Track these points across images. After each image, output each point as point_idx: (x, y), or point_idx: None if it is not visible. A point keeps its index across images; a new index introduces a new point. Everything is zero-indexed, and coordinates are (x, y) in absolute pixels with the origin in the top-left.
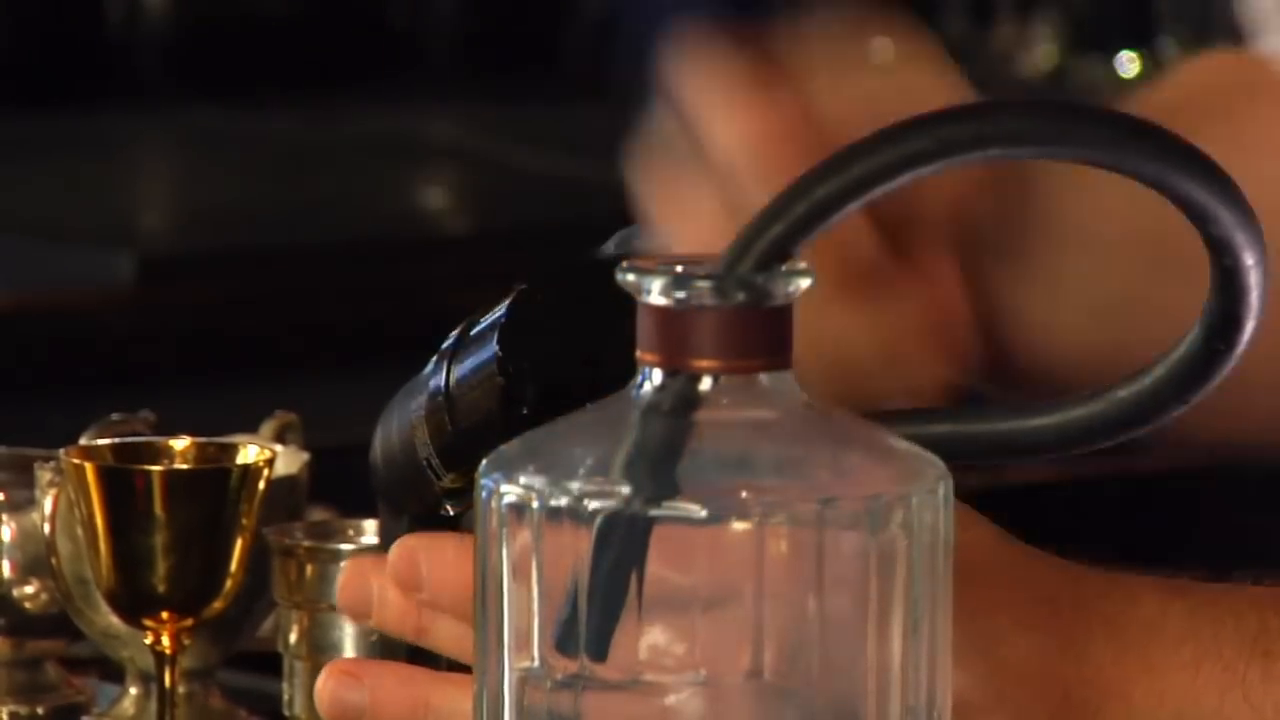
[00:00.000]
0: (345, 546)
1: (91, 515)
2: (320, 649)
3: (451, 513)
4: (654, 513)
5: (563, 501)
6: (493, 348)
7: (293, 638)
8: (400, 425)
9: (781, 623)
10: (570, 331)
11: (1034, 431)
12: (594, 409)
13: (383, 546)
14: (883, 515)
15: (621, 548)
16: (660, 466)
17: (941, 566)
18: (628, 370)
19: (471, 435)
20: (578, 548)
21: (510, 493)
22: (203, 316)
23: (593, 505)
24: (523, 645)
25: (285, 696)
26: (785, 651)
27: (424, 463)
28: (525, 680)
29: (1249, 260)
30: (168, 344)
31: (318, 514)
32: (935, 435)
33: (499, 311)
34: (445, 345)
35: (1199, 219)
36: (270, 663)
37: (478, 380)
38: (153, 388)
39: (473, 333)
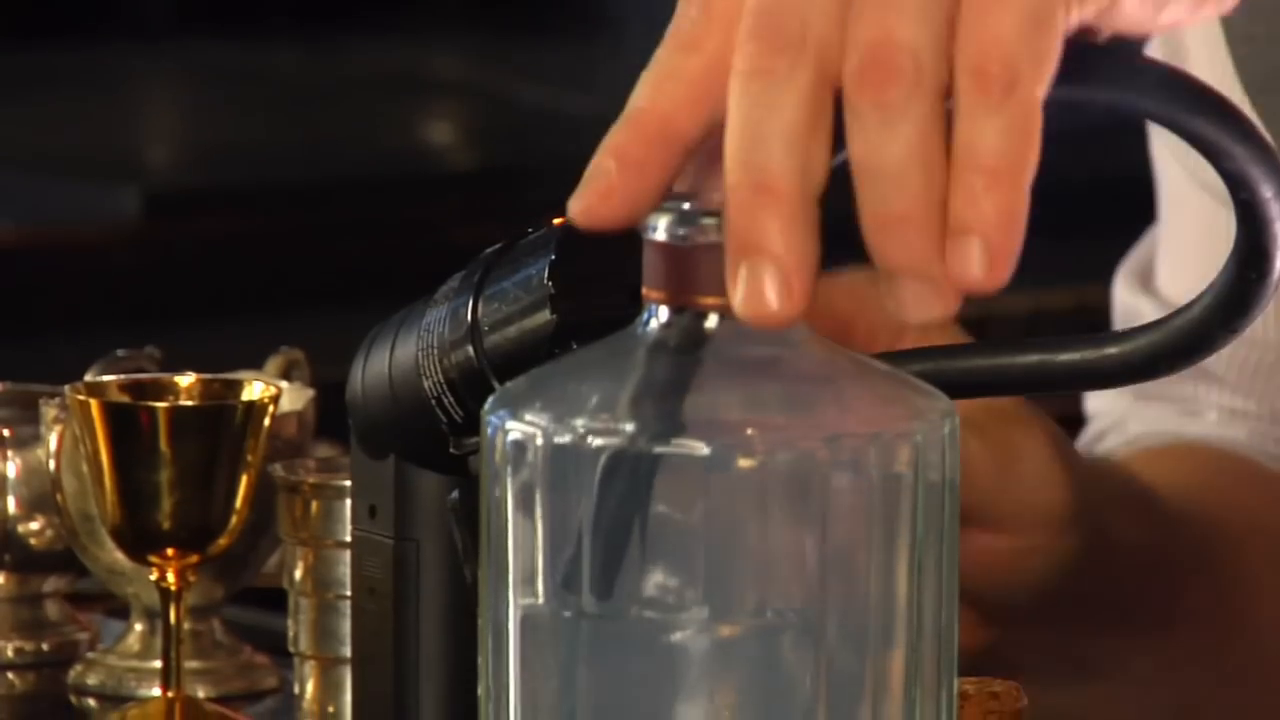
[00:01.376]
0: (350, 483)
1: (97, 451)
2: (325, 585)
3: (458, 451)
4: (658, 450)
5: (567, 439)
6: (543, 285)
7: (298, 574)
8: (400, 361)
9: (786, 561)
10: (616, 266)
11: (1099, 362)
12: (600, 346)
13: (358, 490)
14: (887, 452)
15: (626, 485)
16: (666, 404)
17: (947, 505)
18: None
19: (505, 371)
20: (582, 485)
21: (515, 429)
22: (208, 252)
23: (596, 442)
24: (527, 583)
25: (290, 633)
26: (789, 590)
27: (432, 400)
28: (530, 618)
29: (1266, 193)
30: (173, 280)
31: (323, 450)
32: (979, 369)
33: (543, 247)
34: (460, 280)
35: (1213, 155)
36: (275, 599)
37: (519, 316)
38: (158, 323)
39: (504, 268)
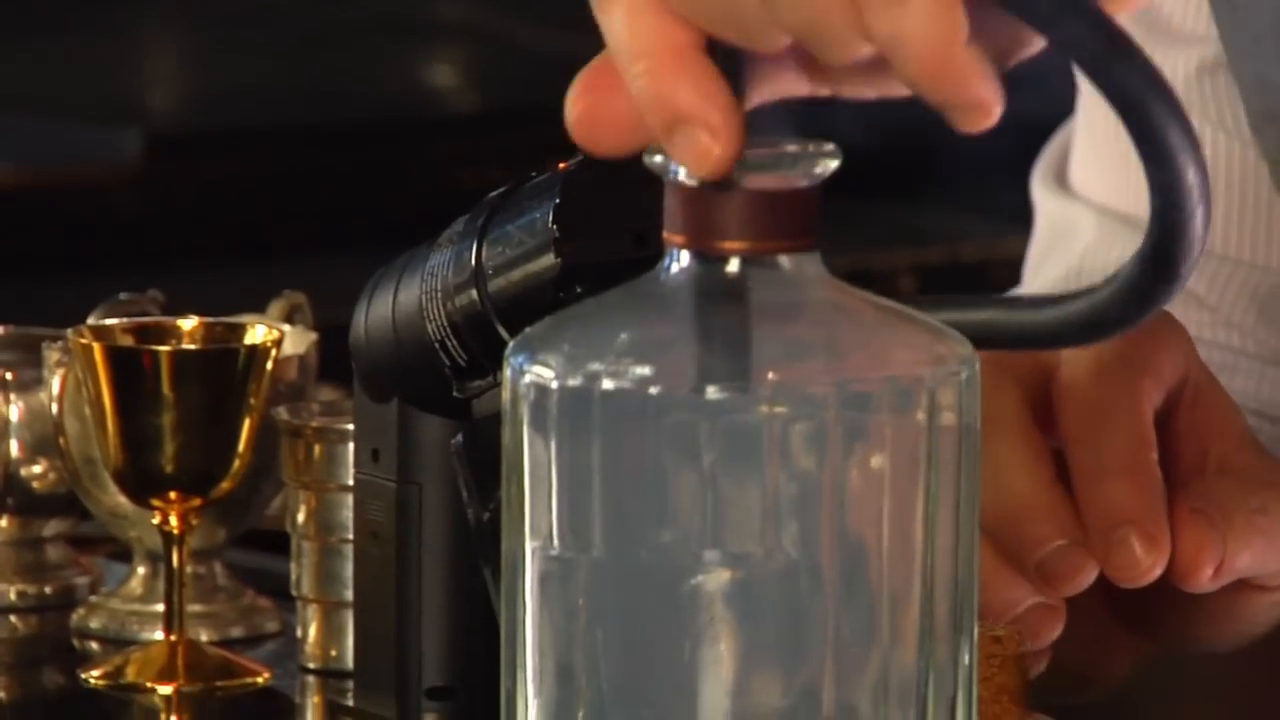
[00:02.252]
0: (353, 427)
1: (99, 395)
2: (328, 529)
3: (462, 395)
4: (674, 394)
5: (583, 382)
6: (547, 229)
7: (300, 518)
8: (403, 305)
9: (799, 506)
10: (620, 210)
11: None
12: (621, 290)
13: (361, 434)
14: (905, 397)
15: (641, 429)
16: (684, 349)
17: (966, 450)
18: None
19: (509, 314)
20: (597, 429)
21: (533, 373)
22: (211, 194)
23: (612, 386)
24: (543, 527)
25: (293, 576)
26: (802, 535)
27: (435, 344)
28: (545, 562)
29: (1193, 207)
30: (176, 222)
31: (325, 394)
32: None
33: (547, 191)
34: (463, 223)
35: (1151, 159)
36: (278, 542)
37: (523, 260)
38: (161, 266)
39: (508, 212)
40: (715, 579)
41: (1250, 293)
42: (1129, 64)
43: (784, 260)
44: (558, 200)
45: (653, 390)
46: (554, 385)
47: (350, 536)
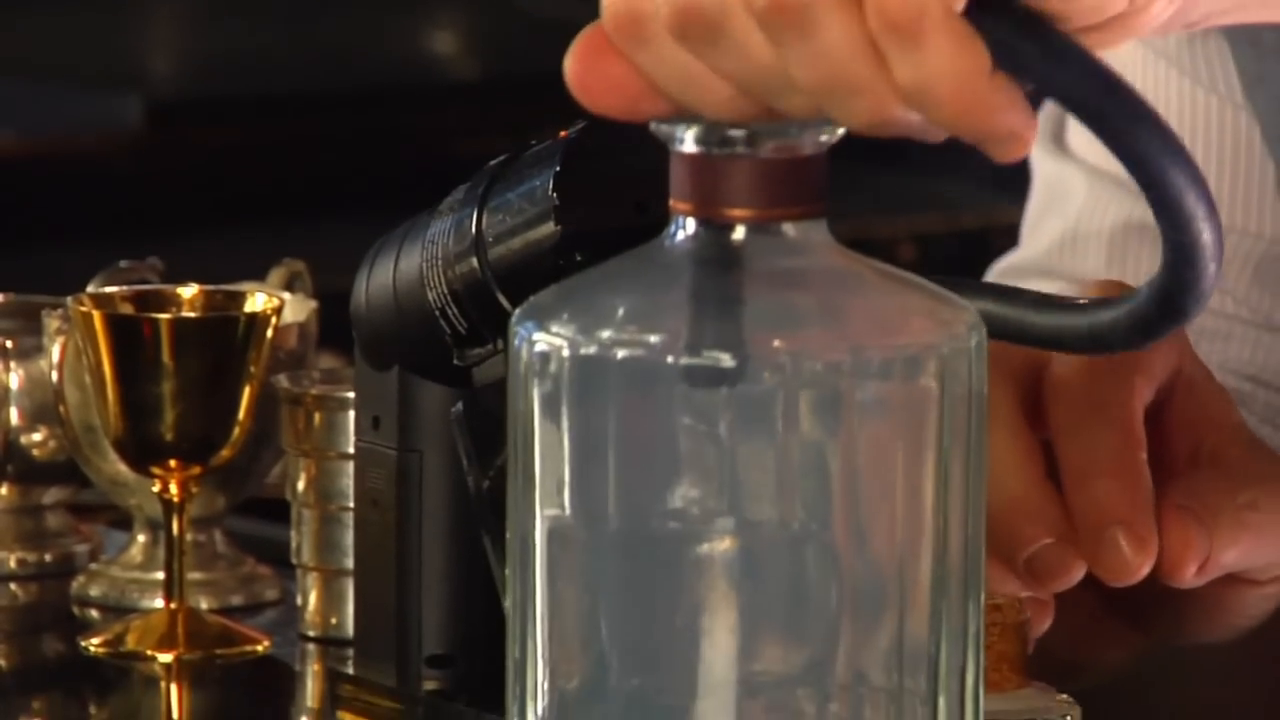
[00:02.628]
0: (353, 395)
1: (99, 363)
2: (328, 497)
3: (462, 363)
4: (683, 362)
5: (592, 350)
6: (547, 196)
7: (300, 485)
8: (404, 273)
9: (810, 473)
10: (621, 177)
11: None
12: (627, 257)
13: (362, 401)
14: (914, 365)
15: (651, 397)
16: (692, 316)
17: (974, 417)
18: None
19: (509, 282)
20: (607, 397)
21: (541, 340)
22: (211, 162)
23: (621, 354)
24: (553, 495)
25: (293, 544)
26: (814, 502)
27: (436, 312)
28: (555, 530)
29: (1204, 235)
30: (176, 190)
31: (326, 361)
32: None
33: (548, 159)
34: (464, 191)
35: (1152, 187)
36: (278, 510)
37: (524, 228)
38: (161, 234)
39: (509, 180)
40: (726, 546)
41: (1243, 259)
42: (1144, 127)
43: (789, 228)
44: (558, 168)
45: (663, 358)
46: (565, 353)
47: (350, 504)
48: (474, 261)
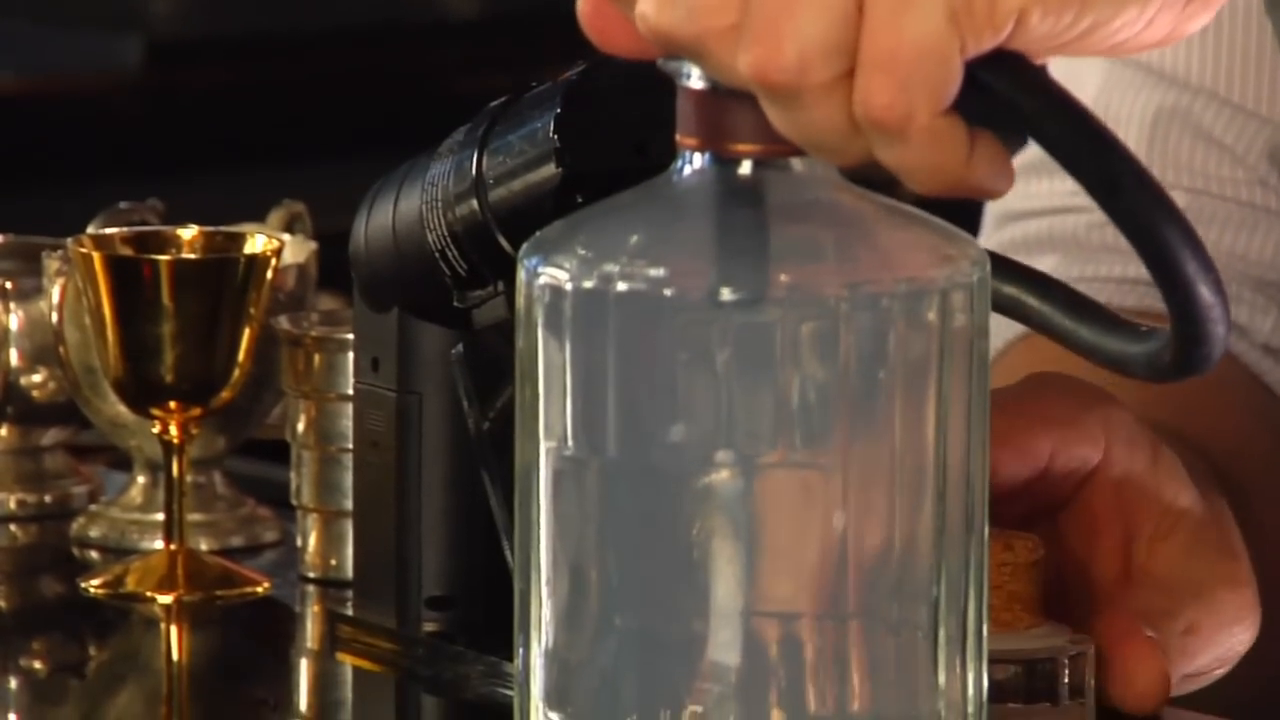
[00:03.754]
0: (352, 336)
1: (99, 304)
2: (327, 438)
3: (462, 304)
4: (687, 296)
5: (597, 284)
6: (549, 138)
7: (300, 427)
8: (403, 214)
9: (811, 406)
10: (622, 119)
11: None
12: (634, 192)
13: (361, 343)
14: (916, 300)
15: (655, 330)
16: (697, 251)
17: (975, 352)
18: (673, 157)
19: (509, 224)
20: (611, 330)
21: (546, 274)
22: (211, 102)
23: (626, 288)
24: (556, 428)
25: (292, 485)
26: (814, 435)
27: (436, 253)
28: (558, 462)
29: (1205, 295)
30: (176, 130)
31: (325, 303)
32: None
33: (548, 101)
34: (464, 133)
35: (1143, 242)
36: (278, 451)
37: (524, 169)
38: (160, 175)
39: (509, 122)
40: (728, 479)
41: (1273, 150)
42: (1140, 192)
43: (796, 163)
44: (559, 110)
45: (667, 291)
46: (568, 287)
47: (350, 446)
48: (474, 203)
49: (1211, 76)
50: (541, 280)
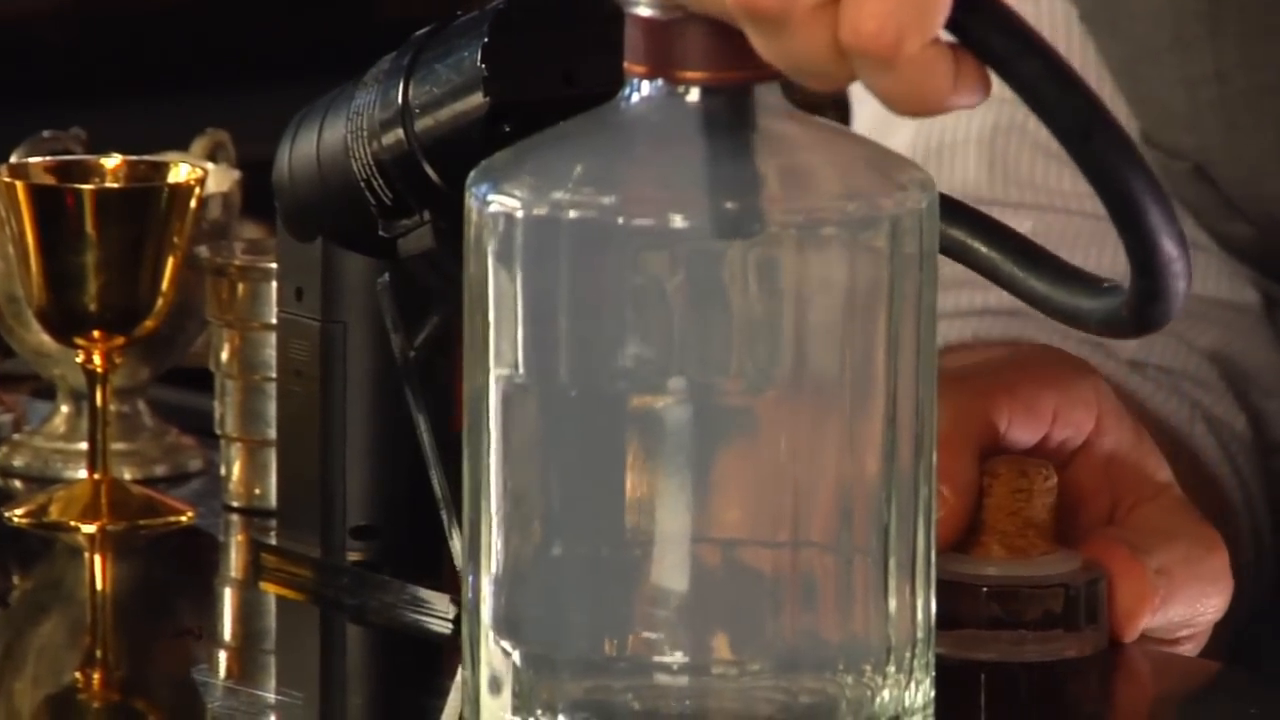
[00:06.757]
0: (276, 265)
1: (22, 234)
2: (251, 367)
3: (387, 234)
4: (635, 223)
5: (546, 211)
6: (476, 67)
7: (224, 356)
8: (328, 143)
9: (765, 333)
10: (549, 48)
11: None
12: (582, 119)
13: (285, 272)
14: (864, 225)
15: (604, 258)
16: (645, 178)
17: (924, 278)
18: (602, 86)
19: (436, 153)
20: (560, 258)
21: (496, 202)
22: (133, 30)
23: (575, 215)
24: (507, 354)
25: (217, 414)
26: (765, 362)
27: (361, 183)
28: (508, 391)
29: (1169, 249)
30: (98, 59)
31: (249, 232)
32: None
33: (475, 30)
34: (390, 62)
35: (1117, 206)
36: (202, 380)
37: (451, 98)
38: (84, 103)
39: (436, 50)
40: (677, 405)
41: None
42: (1108, 139)
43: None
44: (486, 39)
45: (618, 219)
46: (519, 215)
47: (274, 375)
48: (400, 132)
49: None
50: (491, 207)
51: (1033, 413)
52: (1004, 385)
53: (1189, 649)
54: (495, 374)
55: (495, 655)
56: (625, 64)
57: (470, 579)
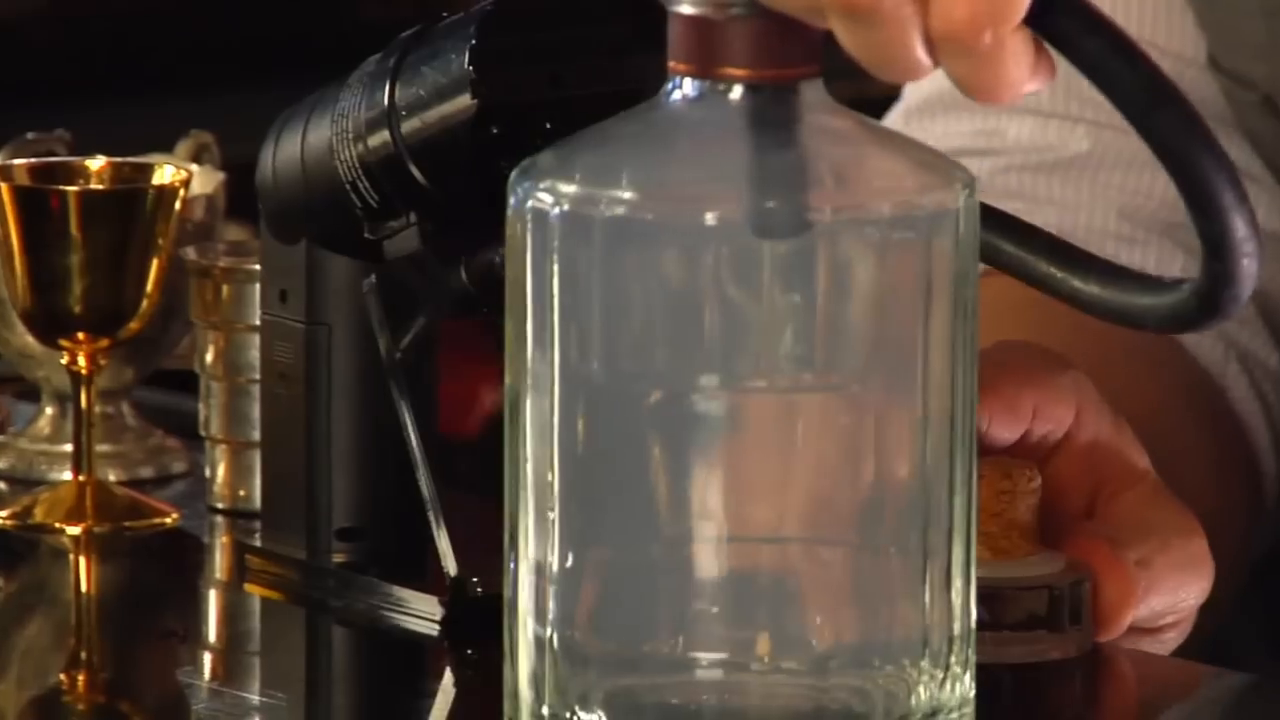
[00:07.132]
0: (260, 267)
1: (6, 235)
2: (236, 369)
3: (373, 236)
4: (673, 220)
5: (587, 209)
6: (463, 69)
7: (209, 358)
8: (312, 145)
9: (797, 328)
10: (536, 51)
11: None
12: (626, 117)
13: (269, 274)
14: (904, 223)
15: (641, 255)
16: (687, 176)
17: (963, 276)
18: (589, 88)
19: (422, 155)
20: (598, 254)
21: (537, 199)
22: (118, 31)
23: (614, 212)
24: (545, 352)
25: (201, 416)
26: (805, 361)
27: (346, 185)
28: (549, 386)
29: (1239, 230)
30: (83, 60)
31: (233, 233)
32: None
33: (462, 32)
34: (375, 64)
35: (1194, 194)
36: (187, 382)
37: (438, 100)
38: (68, 105)
39: (422, 52)
40: (715, 403)
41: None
42: (1177, 118)
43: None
44: (474, 40)
45: (659, 217)
46: (560, 211)
47: (259, 377)
48: (386, 134)
49: (1116, 6)
50: (533, 205)
51: (1013, 410)
52: (984, 384)
53: (1173, 636)
54: (536, 372)
55: (533, 650)
56: (669, 62)
57: (511, 567)
